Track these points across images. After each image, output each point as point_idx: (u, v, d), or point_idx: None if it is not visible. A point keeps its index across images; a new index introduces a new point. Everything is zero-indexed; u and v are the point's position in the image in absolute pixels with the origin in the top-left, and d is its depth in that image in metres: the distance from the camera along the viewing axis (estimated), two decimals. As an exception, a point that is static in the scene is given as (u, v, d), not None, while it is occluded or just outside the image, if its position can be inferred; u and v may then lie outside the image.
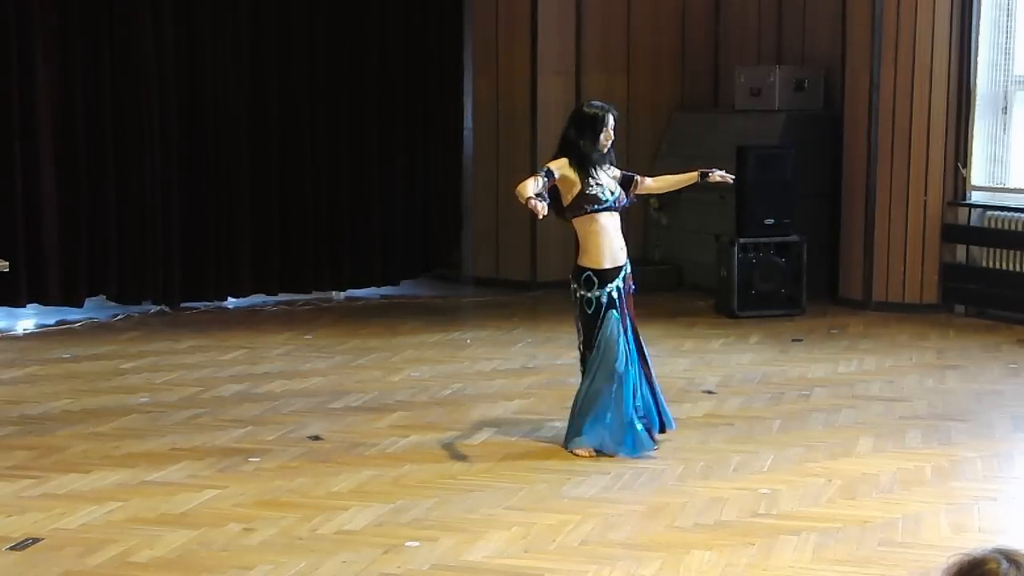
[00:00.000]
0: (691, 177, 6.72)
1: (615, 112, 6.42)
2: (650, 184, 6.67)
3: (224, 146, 10.42)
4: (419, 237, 11.37)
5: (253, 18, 10.48)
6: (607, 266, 6.29)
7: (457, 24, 11.41)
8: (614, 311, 6.27)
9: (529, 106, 11.16)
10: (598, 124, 6.33)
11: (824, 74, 10.89)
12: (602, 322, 6.28)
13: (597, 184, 6.28)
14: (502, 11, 11.33)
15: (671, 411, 6.58)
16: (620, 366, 6.26)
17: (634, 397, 6.33)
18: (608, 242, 6.29)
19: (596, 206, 6.26)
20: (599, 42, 11.38)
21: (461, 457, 6.34)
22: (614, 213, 6.33)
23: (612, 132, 6.36)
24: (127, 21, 9.97)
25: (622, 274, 6.34)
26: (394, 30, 11.02)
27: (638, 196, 6.68)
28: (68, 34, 9.79)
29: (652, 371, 6.49)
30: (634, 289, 6.46)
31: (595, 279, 6.28)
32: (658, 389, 6.51)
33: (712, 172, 6.67)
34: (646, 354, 6.47)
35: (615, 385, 6.27)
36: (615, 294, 6.28)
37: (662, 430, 6.49)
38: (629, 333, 6.34)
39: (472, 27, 11.45)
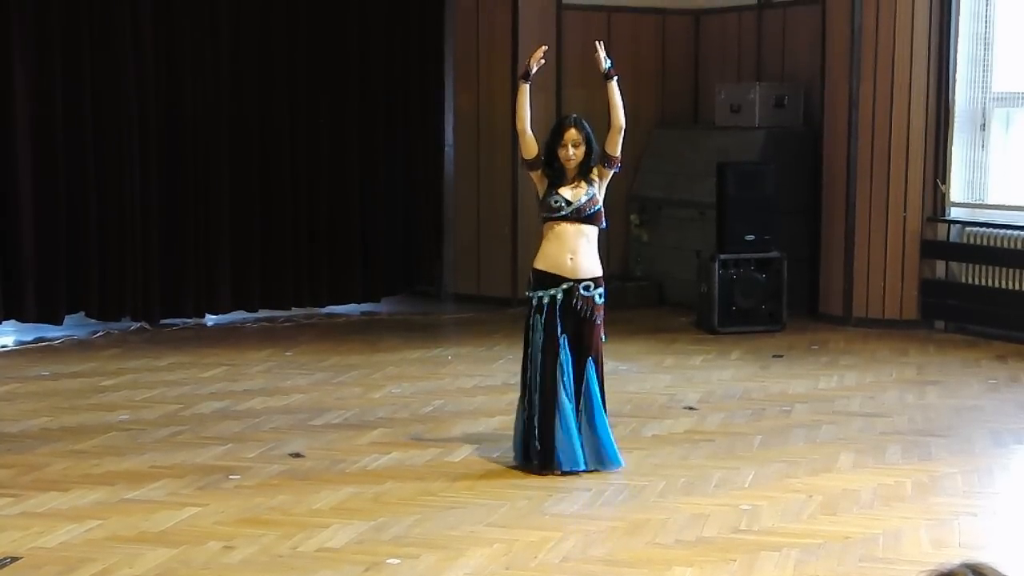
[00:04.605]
0: (607, 87, 6.34)
1: (580, 123, 6.27)
2: (611, 130, 6.31)
3: (204, 162, 10.40)
4: (400, 253, 11.36)
5: (232, 35, 10.48)
6: (540, 268, 6.29)
7: (438, 40, 11.43)
8: (540, 319, 6.22)
9: (510, 122, 11.08)
10: (555, 133, 6.35)
11: (804, 91, 10.93)
12: (531, 329, 6.28)
13: (555, 194, 6.29)
14: (483, 27, 11.35)
15: (651, 427, 6.52)
16: (538, 378, 6.23)
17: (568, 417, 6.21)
18: (553, 248, 6.27)
19: (548, 214, 6.30)
20: (579, 58, 11.36)
21: (442, 474, 6.33)
22: (575, 224, 6.25)
23: (572, 146, 6.22)
24: (106, 33, 9.95)
25: (564, 287, 6.23)
26: (375, 46, 11.03)
27: (614, 153, 6.30)
28: (47, 45, 9.76)
29: (588, 406, 6.26)
30: (597, 317, 6.24)
31: (531, 278, 6.34)
32: (600, 425, 6.30)
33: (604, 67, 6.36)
34: (593, 388, 6.28)
35: (536, 397, 6.24)
36: (547, 300, 6.23)
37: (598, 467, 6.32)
38: (587, 363, 6.24)
39: (453, 43, 11.46)
